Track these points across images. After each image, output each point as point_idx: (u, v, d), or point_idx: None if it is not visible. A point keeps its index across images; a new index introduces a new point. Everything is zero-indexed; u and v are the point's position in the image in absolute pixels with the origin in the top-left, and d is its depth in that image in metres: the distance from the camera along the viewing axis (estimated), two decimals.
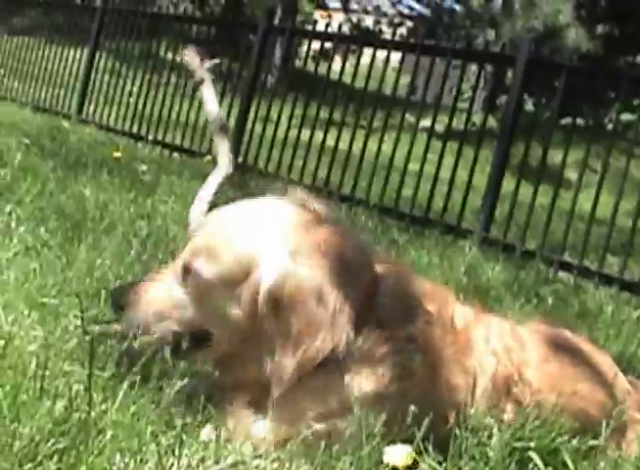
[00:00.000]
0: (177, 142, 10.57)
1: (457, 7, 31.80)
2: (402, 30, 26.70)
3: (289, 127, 9.55)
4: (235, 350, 2.46)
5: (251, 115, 10.04)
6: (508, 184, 8.08)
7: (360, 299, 2.39)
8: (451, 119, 8.51)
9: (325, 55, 10.67)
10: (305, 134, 9.44)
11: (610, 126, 16.66)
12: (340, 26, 9.94)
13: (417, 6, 35.16)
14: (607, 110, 15.85)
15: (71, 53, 12.92)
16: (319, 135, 9.24)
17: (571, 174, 9.08)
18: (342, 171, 8.83)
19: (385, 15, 33.34)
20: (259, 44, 10.16)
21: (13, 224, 4.02)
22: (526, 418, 2.48)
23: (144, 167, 7.70)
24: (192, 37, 11.96)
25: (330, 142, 9.18)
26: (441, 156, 8.32)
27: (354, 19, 33.62)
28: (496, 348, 2.62)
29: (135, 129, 11.14)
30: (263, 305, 2.33)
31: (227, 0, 29.51)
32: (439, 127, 8.84)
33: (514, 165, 8.75)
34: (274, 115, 9.86)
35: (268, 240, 2.41)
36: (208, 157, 9.03)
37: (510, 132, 8.06)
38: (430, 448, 2.26)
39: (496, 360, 2.59)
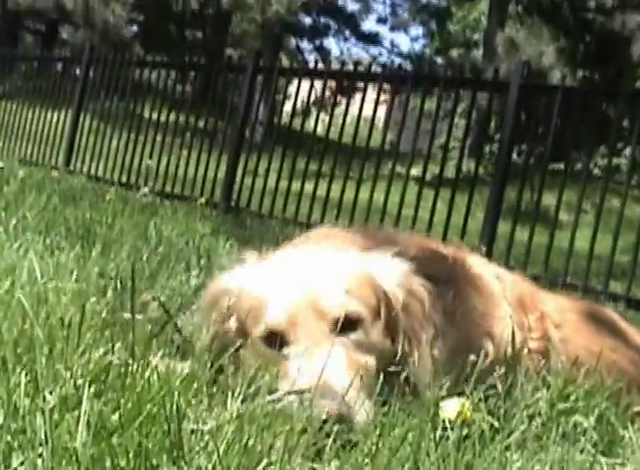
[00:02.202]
0: (167, 190, 10.50)
1: (438, 59, 32.31)
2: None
3: (279, 178, 9.52)
4: None
5: (240, 169, 10.01)
6: (502, 226, 8.05)
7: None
8: (442, 167, 8.57)
9: (309, 110, 10.67)
10: (296, 185, 9.42)
11: (596, 171, 16.83)
12: (330, 62, 10.00)
13: (398, 59, 35.61)
14: (593, 155, 15.94)
15: (55, 115, 12.93)
16: (309, 186, 9.23)
17: (562, 216, 9.14)
18: (335, 216, 8.79)
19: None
20: (248, 85, 10.12)
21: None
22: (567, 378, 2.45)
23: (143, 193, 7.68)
24: (174, 97, 12.05)
25: (321, 192, 9.15)
26: (434, 202, 8.31)
27: None
28: (498, 273, 2.72)
29: (124, 179, 11.08)
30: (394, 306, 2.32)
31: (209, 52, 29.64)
32: (428, 176, 8.83)
33: (507, 208, 8.77)
34: (263, 168, 9.85)
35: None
36: (202, 199, 9.02)
37: (505, 163, 8.05)
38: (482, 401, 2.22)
39: (502, 283, 2.65)
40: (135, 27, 33.41)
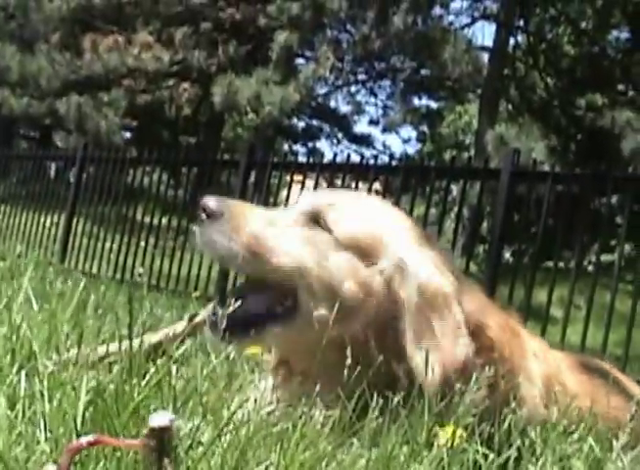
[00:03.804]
0: (162, 285, 10.38)
1: (431, 162, 32.52)
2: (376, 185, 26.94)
3: None
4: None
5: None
6: None
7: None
8: None
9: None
10: None
11: (590, 268, 16.79)
12: (322, 155, 10.03)
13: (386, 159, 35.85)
14: (586, 252, 15.93)
15: (49, 218, 12.93)
16: None
17: (554, 311, 9.10)
18: None
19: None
20: (242, 180, 10.12)
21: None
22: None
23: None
24: (167, 201, 12.06)
25: None
26: None
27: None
28: (535, 349, 2.63)
29: (119, 276, 10.98)
30: (413, 298, 2.29)
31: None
32: None
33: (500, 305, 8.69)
34: None
35: (402, 234, 2.41)
36: (196, 293, 8.92)
37: (497, 252, 7.98)
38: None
39: (539, 361, 2.58)
40: (128, 134, 33.78)
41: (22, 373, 1.87)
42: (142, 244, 11.20)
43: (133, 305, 3.75)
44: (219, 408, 1.90)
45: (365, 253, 2.34)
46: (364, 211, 2.45)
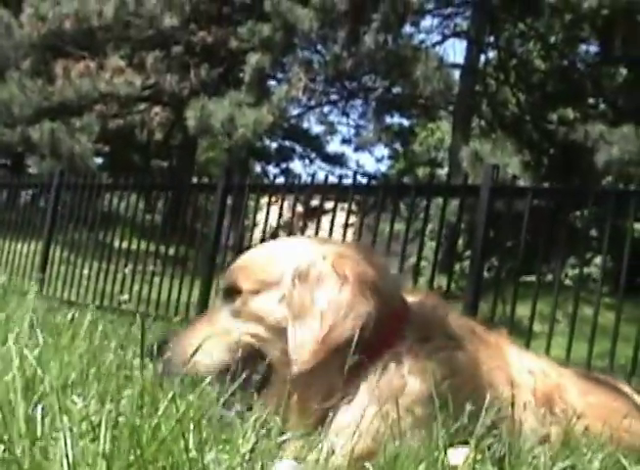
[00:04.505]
0: (142, 309, 10.33)
1: (405, 179, 32.59)
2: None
3: None
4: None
5: (213, 290, 9.89)
6: None
7: (386, 313, 2.46)
8: (415, 284, 8.48)
9: (277, 234, 10.62)
10: None
11: (567, 281, 16.86)
12: (299, 176, 10.06)
13: (364, 180, 35.89)
14: (562, 266, 15.98)
15: (25, 246, 12.85)
16: None
17: (534, 326, 9.16)
18: None
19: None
20: (219, 203, 10.11)
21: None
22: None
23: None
24: (142, 226, 12.03)
25: None
26: None
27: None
28: (532, 367, 2.66)
29: (98, 302, 10.91)
30: (291, 281, 2.47)
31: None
32: None
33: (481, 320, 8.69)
34: None
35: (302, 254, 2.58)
36: (177, 317, 8.89)
37: (479, 269, 8.00)
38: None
39: (534, 378, 2.61)
40: (101, 159, 33.65)
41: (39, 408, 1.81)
42: (125, 270, 11.16)
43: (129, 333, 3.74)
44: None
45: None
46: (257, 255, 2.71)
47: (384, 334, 2.43)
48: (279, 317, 2.46)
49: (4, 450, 1.60)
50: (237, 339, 2.51)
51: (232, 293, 2.58)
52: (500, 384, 2.52)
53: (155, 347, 2.54)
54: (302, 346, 2.37)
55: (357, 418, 2.30)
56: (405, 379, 2.36)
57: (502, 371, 2.57)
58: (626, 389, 3.05)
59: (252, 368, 2.49)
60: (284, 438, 2.08)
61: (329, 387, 2.41)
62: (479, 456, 2.02)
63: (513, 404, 2.43)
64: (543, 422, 2.51)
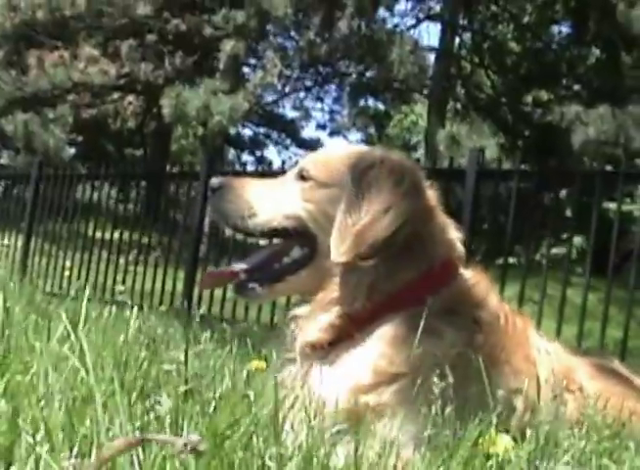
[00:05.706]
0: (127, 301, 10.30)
1: None
2: None
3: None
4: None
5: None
6: None
7: (431, 247, 2.65)
8: None
9: None
10: None
11: (544, 262, 16.95)
12: (283, 162, 10.02)
13: None
14: (538, 247, 16.04)
15: (6, 239, 12.78)
16: None
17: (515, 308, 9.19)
18: None
19: None
20: (202, 191, 10.03)
21: None
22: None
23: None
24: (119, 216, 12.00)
25: (282, 299, 9.01)
26: None
27: None
28: (549, 348, 2.75)
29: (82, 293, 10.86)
30: (351, 180, 2.61)
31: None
32: None
33: None
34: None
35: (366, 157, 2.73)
36: (162, 307, 8.88)
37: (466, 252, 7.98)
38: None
39: (552, 357, 2.71)
40: (73, 150, 33.47)
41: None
42: (102, 263, 11.10)
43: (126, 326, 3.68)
44: None
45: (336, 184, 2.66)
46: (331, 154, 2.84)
47: (420, 271, 2.57)
48: (335, 213, 2.57)
49: None
50: (296, 209, 2.65)
51: (303, 176, 2.72)
52: (519, 363, 2.58)
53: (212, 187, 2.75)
54: (343, 237, 2.48)
55: (361, 358, 2.41)
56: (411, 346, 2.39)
57: (524, 351, 2.64)
58: (623, 370, 3.12)
59: (294, 244, 2.68)
60: None
61: (354, 290, 2.52)
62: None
63: (536, 379, 2.53)
64: (561, 399, 2.56)
